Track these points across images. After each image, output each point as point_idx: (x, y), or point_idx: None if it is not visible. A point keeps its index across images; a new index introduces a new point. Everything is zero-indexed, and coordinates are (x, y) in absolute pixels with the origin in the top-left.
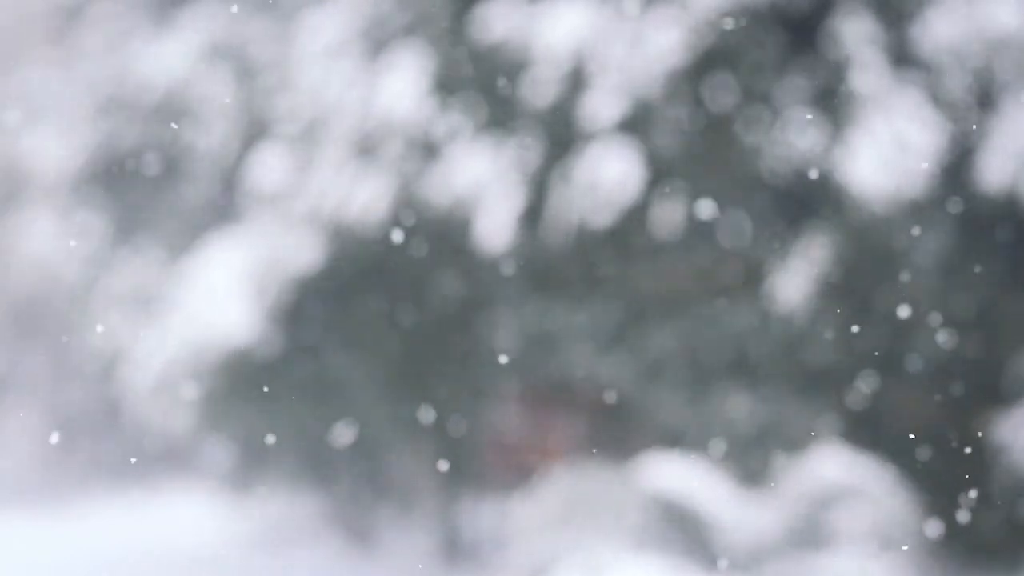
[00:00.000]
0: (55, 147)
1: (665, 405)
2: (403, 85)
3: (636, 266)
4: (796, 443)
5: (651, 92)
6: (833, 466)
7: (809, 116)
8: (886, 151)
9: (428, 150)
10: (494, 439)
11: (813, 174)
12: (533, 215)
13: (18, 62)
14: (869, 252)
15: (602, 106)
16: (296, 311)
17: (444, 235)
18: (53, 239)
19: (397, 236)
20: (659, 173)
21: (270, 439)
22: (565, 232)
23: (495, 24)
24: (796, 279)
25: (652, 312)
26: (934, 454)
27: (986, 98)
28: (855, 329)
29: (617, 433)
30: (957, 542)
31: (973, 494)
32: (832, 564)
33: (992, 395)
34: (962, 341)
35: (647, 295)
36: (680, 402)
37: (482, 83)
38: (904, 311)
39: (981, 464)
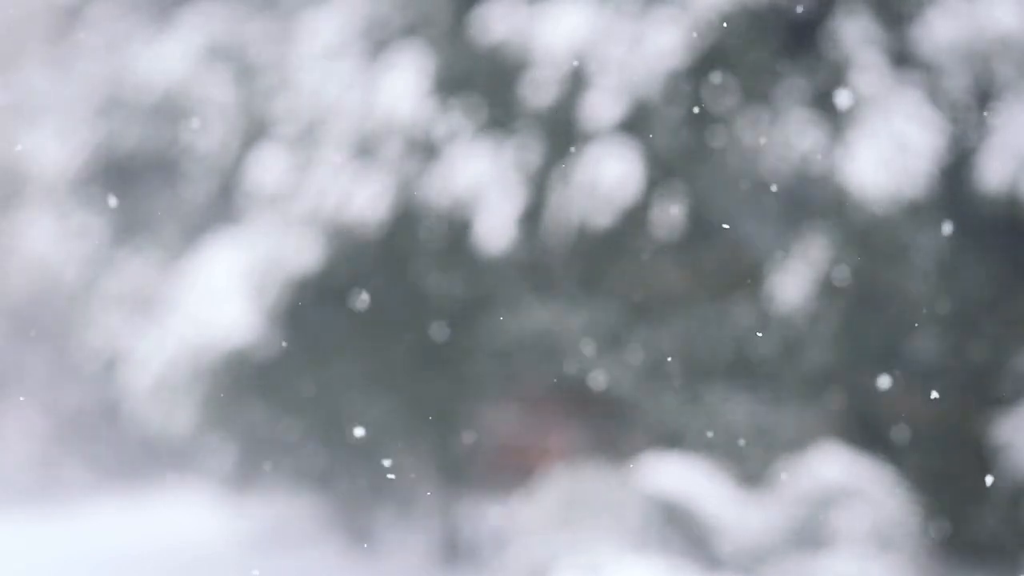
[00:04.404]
0: (55, 147)
1: (665, 405)
2: (403, 85)
3: (636, 266)
4: (796, 443)
5: (651, 92)
6: (833, 466)
7: (810, 114)
8: (886, 151)
9: (428, 151)
10: (494, 439)
11: (813, 174)
12: (533, 215)
13: (18, 62)
14: (869, 252)
15: (602, 106)
16: (296, 311)
17: (444, 236)
18: (53, 239)
19: (397, 236)
20: (659, 173)
21: (270, 439)
22: (565, 232)
23: (495, 24)
24: (796, 279)
25: (652, 312)
26: (934, 454)
27: (986, 98)
28: (855, 329)
29: (617, 433)
30: (957, 542)
31: (973, 494)
32: (832, 565)
33: (992, 395)
34: (962, 341)
35: (647, 295)
36: (680, 402)
37: (482, 83)
38: (904, 311)
39: (981, 464)
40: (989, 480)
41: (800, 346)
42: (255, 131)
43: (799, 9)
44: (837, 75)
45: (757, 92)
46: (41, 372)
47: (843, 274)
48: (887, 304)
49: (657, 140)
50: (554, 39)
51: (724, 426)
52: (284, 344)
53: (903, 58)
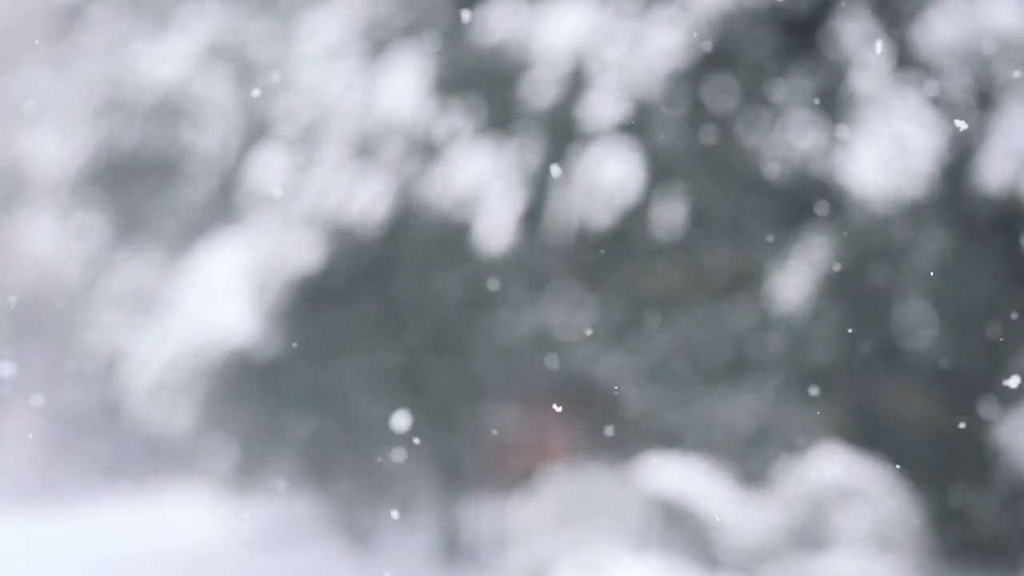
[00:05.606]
0: (55, 147)
1: (665, 405)
2: (403, 86)
3: (636, 266)
4: (796, 443)
5: (651, 92)
6: (833, 466)
7: (810, 114)
8: (886, 151)
9: (428, 151)
10: (494, 439)
11: (813, 174)
12: (533, 215)
13: (18, 62)
14: (869, 252)
15: (602, 106)
16: (296, 311)
17: (444, 235)
18: (53, 239)
19: (397, 236)
20: (659, 173)
21: (270, 439)
22: (565, 232)
23: (495, 25)
24: (796, 279)
25: (652, 312)
26: (934, 454)
27: (986, 98)
28: (855, 329)
29: (617, 433)
30: (957, 542)
31: (973, 494)
32: (832, 565)
33: (992, 395)
34: (962, 341)
35: (647, 295)
36: (680, 402)
37: (482, 83)
38: (904, 311)
39: (981, 464)
40: (988, 480)
41: (800, 346)
42: (255, 131)
43: (799, 9)
44: (837, 75)
45: (757, 92)
46: (41, 372)
47: (843, 274)
48: (887, 304)
49: (657, 140)
50: (554, 39)
51: (724, 426)
52: (284, 344)
53: (903, 58)
